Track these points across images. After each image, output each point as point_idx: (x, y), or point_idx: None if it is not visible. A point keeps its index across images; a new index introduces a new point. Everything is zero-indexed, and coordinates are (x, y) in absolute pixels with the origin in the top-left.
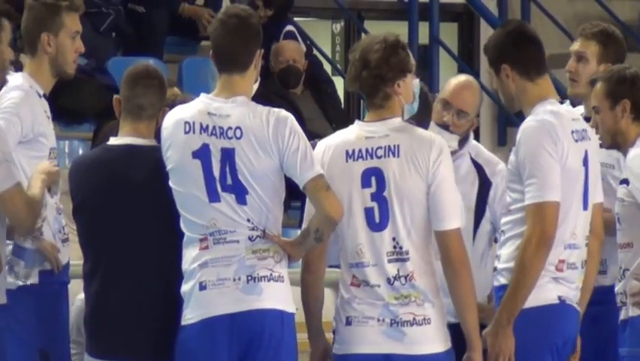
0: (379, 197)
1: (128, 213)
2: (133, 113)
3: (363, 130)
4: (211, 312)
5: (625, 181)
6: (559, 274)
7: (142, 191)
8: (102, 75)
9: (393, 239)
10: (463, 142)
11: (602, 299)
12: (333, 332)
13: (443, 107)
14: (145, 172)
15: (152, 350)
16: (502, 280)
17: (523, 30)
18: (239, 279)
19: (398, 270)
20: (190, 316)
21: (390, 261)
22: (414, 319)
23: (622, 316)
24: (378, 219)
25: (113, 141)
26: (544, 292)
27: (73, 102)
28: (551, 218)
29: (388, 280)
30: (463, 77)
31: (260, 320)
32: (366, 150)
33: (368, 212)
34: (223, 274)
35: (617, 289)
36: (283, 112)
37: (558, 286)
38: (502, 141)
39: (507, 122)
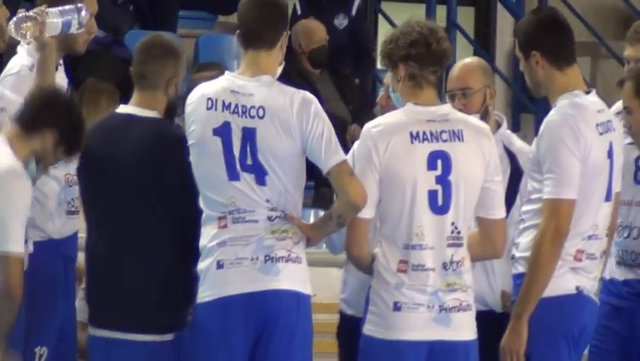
0: (444, 180)
1: (120, 182)
2: (136, 82)
3: (420, 112)
4: (228, 291)
5: None
6: (577, 264)
7: (133, 161)
8: (119, 48)
9: (452, 223)
10: (484, 117)
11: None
12: (364, 314)
13: (450, 99)
14: (138, 142)
15: (149, 322)
16: (520, 268)
17: (557, 18)
18: (257, 259)
19: (453, 255)
20: (206, 294)
21: (449, 245)
22: (460, 304)
23: None
24: (441, 202)
25: (119, 108)
26: (562, 282)
27: (90, 74)
28: (566, 215)
29: (444, 265)
30: (457, 63)
31: (276, 300)
32: (431, 133)
33: (431, 194)
34: (241, 254)
35: None
36: (308, 95)
37: (576, 277)
38: (517, 127)
39: (521, 109)
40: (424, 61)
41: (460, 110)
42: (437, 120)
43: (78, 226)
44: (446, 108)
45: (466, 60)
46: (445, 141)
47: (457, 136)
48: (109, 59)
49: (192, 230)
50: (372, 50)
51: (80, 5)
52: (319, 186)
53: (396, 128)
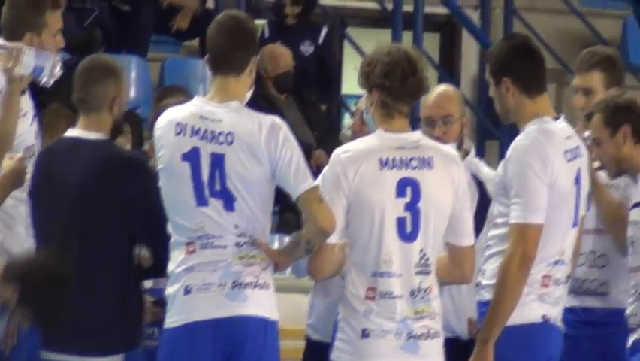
0: (413, 208)
1: (68, 204)
2: (79, 107)
3: (390, 139)
4: (195, 316)
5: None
6: (544, 290)
7: (80, 184)
8: None
9: (421, 251)
10: (460, 145)
11: (605, 322)
12: (332, 341)
13: (428, 125)
14: (85, 165)
15: (102, 344)
16: (486, 295)
17: (529, 46)
18: (224, 284)
19: (421, 282)
20: (173, 319)
21: (417, 273)
22: (428, 332)
23: (636, 336)
24: (410, 230)
25: (67, 132)
26: (529, 311)
27: (54, 97)
28: (533, 240)
29: (412, 293)
30: (436, 89)
31: (243, 326)
32: (401, 160)
33: (400, 221)
34: (209, 279)
35: (628, 311)
36: (277, 120)
37: (542, 305)
38: (481, 153)
39: (485, 135)
40: (398, 94)
41: (438, 137)
42: (407, 147)
43: None
44: (417, 135)
45: (443, 87)
46: (414, 168)
47: (426, 163)
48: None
49: (150, 244)
50: (338, 77)
51: (57, 58)
52: (283, 211)
53: (365, 155)
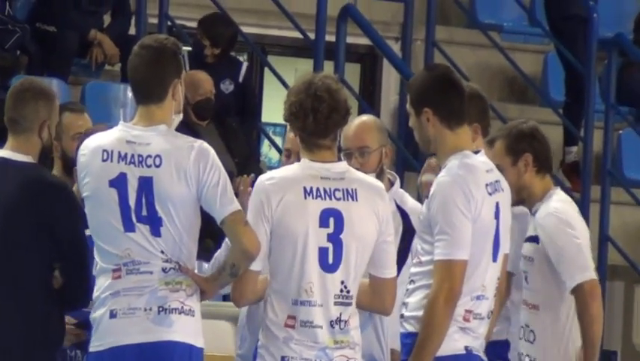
0: (336, 239)
1: None
2: (9, 127)
3: (315, 168)
4: (120, 341)
5: (534, 239)
6: (466, 324)
7: (7, 206)
8: (4, 93)
9: (342, 282)
10: (379, 176)
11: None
12: None
13: (346, 156)
14: (10, 187)
15: None
16: (409, 327)
17: (451, 77)
18: (150, 309)
19: (341, 313)
20: (98, 343)
21: (336, 304)
22: None
23: None
24: (331, 260)
25: None
26: (452, 342)
27: None
28: (459, 276)
29: (331, 323)
30: (354, 120)
31: (169, 351)
32: (325, 190)
33: (322, 251)
34: (134, 304)
35: (521, 350)
36: (205, 144)
37: (464, 337)
38: (400, 185)
39: (405, 166)
40: (310, 131)
41: (355, 169)
42: (332, 178)
43: None
44: (342, 166)
45: (362, 118)
46: (338, 199)
47: (350, 195)
48: None
49: (66, 273)
50: (258, 110)
51: None
52: (203, 237)
53: (290, 183)
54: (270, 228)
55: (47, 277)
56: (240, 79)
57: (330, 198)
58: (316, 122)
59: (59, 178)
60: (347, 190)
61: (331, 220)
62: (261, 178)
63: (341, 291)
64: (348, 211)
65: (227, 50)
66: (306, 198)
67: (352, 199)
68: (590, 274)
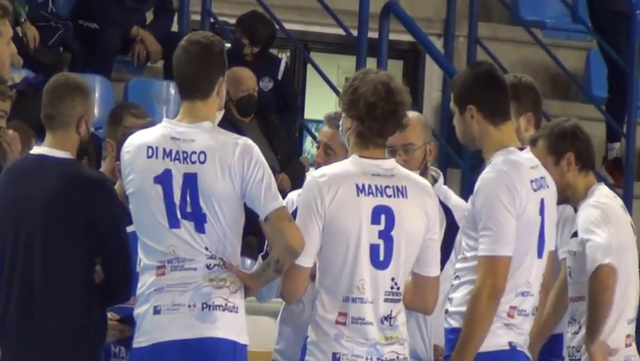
0: (387, 235)
1: (31, 222)
2: (46, 124)
3: (366, 165)
4: (163, 336)
5: (577, 234)
6: (510, 321)
7: (45, 202)
8: None
9: (392, 279)
10: (423, 173)
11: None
12: None
13: (390, 153)
14: (50, 183)
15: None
16: (454, 323)
17: (495, 74)
18: (194, 306)
19: (391, 310)
20: (142, 339)
21: (386, 300)
22: (397, 357)
23: None
24: (382, 257)
25: (33, 149)
26: (495, 338)
27: (18, 115)
28: (502, 272)
29: (381, 320)
30: None
31: (213, 348)
32: (376, 187)
33: (373, 248)
34: (178, 300)
35: (571, 343)
36: (249, 141)
37: (509, 332)
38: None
39: (448, 163)
40: (376, 132)
41: (400, 165)
42: (382, 175)
43: None
44: (391, 163)
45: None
46: (389, 196)
47: (400, 193)
48: (39, 100)
49: (107, 268)
50: (298, 106)
51: None
52: (246, 234)
53: (342, 180)
54: (322, 224)
55: (89, 272)
56: (279, 76)
57: (382, 195)
58: (384, 124)
59: (98, 173)
60: (397, 187)
61: (382, 217)
62: (313, 175)
63: (391, 288)
64: (398, 208)
65: (265, 48)
66: (358, 195)
67: (402, 196)
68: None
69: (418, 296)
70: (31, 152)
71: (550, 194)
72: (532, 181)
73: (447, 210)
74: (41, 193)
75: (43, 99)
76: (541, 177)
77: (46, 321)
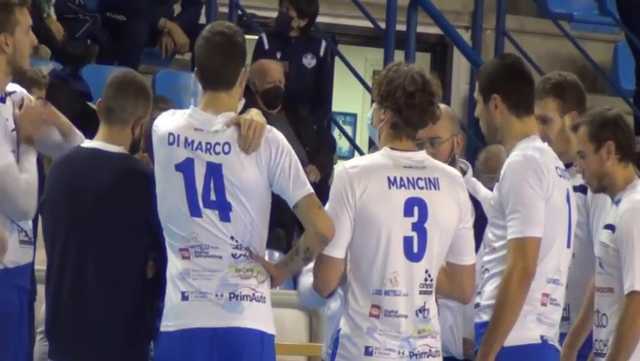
0: (420, 227)
1: (85, 216)
2: (104, 117)
3: (397, 157)
4: (192, 323)
5: (611, 227)
6: (542, 309)
7: (100, 196)
8: (76, 82)
9: (426, 271)
10: (452, 165)
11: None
12: (332, 357)
13: (418, 147)
14: (105, 177)
15: (112, 358)
16: (485, 316)
17: (521, 66)
18: (221, 295)
19: (425, 302)
20: (170, 323)
21: (420, 293)
22: (430, 350)
23: None
24: (416, 250)
25: (85, 143)
26: (527, 331)
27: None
28: (533, 254)
29: (416, 313)
30: None
31: (241, 338)
32: (408, 179)
33: (407, 241)
34: (205, 288)
35: (597, 336)
36: (274, 130)
37: (540, 326)
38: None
39: (475, 154)
40: (411, 122)
41: None
42: (414, 167)
43: (31, 256)
44: (422, 155)
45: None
46: (421, 188)
47: (433, 184)
48: (66, 93)
49: (158, 264)
50: (331, 92)
51: None
52: (273, 226)
53: (373, 171)
54: (353, 215)
55: (142, 267)
56: (321, 53)
57: (414, 188)
58: (421, 113)
59: (151, 168)
60: (429, 179)
61: (415, 209)
62: (345, 165)
63: (425, 280)
64: (431, 200)
65: (311, 22)
66: (390, 187)
67: (435, 188)
68: None
69: (455, 286)
70: (84, 145)
71: (571, 187)
72: (557, 168)
73: (476, 203)
74: (97, 188)
75: (106, 90)
76: (564, 169)
77: (99, 315)
